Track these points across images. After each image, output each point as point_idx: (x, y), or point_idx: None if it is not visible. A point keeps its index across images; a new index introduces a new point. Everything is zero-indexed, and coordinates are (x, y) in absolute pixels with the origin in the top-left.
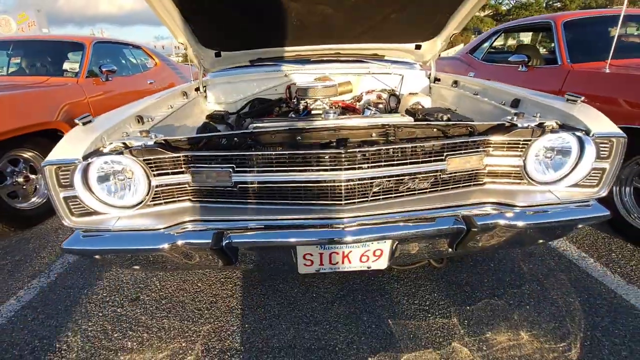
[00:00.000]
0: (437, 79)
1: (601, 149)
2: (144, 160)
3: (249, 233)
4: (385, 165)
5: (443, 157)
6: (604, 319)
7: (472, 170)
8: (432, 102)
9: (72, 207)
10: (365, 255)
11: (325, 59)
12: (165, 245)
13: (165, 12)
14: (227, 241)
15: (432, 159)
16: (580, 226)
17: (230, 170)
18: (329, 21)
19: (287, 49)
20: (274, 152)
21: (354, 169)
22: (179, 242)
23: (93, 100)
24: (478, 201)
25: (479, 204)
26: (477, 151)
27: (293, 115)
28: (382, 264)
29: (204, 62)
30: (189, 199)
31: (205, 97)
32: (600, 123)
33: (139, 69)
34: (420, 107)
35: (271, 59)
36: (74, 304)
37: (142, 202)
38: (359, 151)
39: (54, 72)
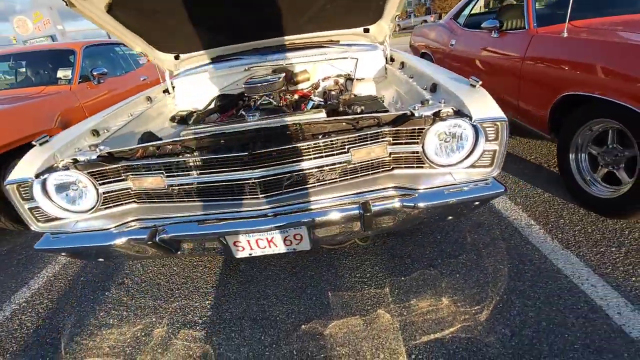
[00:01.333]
0: (392, 59)
1: (488, 132)
2: (88, 173)
3: (180, 226)
4: (292, 162)
5: (346, 150)
6: (524, 283)
7: (378, 159)
8: (382, 85)
9: (36, 215)
10: (288, 239)
11: (282, 49)
12: (113, 242)
13: (115, 29)
14: (160, 236)
15: (335, 152)
16: (477, 203)
17: (161, 175)
18: (272, 15)
19: (241, 45)
20: (191, 158)
21: (264, 167)
22: (124, 239)
23: (87, 104)
24: (382, 187)
25: (382, 189)
26: (379, 141)
27: (243, 112)
28: (305, 245)
29: (167, 65)
30: (134, 201)
31: (174, 97)
32: (484, 108)
33: (131, 67)
34: (351, 96)
35: (231, 54)
36: (73, 289)
37: (94, 207)
38: (263, 152)
39: (49, 81)
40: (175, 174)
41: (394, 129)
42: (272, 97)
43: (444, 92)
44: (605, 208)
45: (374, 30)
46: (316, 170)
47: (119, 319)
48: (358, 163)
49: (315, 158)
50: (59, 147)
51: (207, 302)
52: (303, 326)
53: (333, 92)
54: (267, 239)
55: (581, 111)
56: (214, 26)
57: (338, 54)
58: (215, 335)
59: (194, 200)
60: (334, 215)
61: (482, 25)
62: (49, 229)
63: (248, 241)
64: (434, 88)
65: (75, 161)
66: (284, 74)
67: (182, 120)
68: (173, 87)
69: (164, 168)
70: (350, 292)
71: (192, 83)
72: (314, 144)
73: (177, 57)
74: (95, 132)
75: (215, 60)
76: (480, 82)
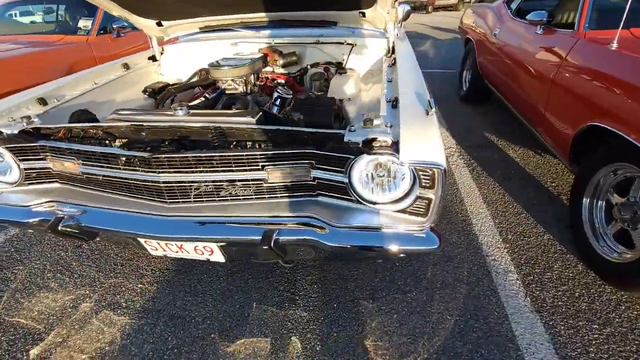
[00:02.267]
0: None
1: (422, 177)
2: (7, 147)
3: (84, 218)
4: (202, 171)
5: (259, 167)
6: (465, 345)
7: (300, 182)
8: (370, 82)
9: None
10: (198, 249)
11: (275, 25)
12: (27, 220)
13: None
14: (64, 224)
15: (248, 168)
16: (401, 255)
17: (74, 161)
18: None
19: (227, 17)
20: (98, 149)
21: (169, 172)
22: (37, 219)
23: (102, 57)
24: (297, 214)
25: (297, 217)
26: (299, 164)
27: (206, 95)
28: (219, 258)
29: (151, 32)
30: (57, 181)
31: (159, 65)
32: (422, 147)
33: None
34: (310, 94)
35: (219, 26)
36: (37, 245)
37: (17, 181)
38: (167, 156)
39: (69, 30)
40: (88, 162)
41: (317, 152)
42: (238, 81)
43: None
44: (607, 271)
45: (370, 15)
46: (227, 183)
47: (59, 284)
48: (276, 182)
49: (225, 171)
50: None
51: (140, 285)
52: (212, 335)
53: (316, 83)
54: (176, 244)
55: (606, 148)
56: None
57: (332, 38)
58: (130, 325)
59: (107, 192)
60: (235, 237)
61: (527, 17)
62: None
63: (158, 243)
64: (395, 103)
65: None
66: (260, 56)
67: (154, 92)
68: (161, 54)
69: (80, 154)
70: (274, 308)
71: (182, 51)
72: (223, 155)
73: (159, 24)
74: (42, 101)
75: (203, 30)
76: (434, 109)
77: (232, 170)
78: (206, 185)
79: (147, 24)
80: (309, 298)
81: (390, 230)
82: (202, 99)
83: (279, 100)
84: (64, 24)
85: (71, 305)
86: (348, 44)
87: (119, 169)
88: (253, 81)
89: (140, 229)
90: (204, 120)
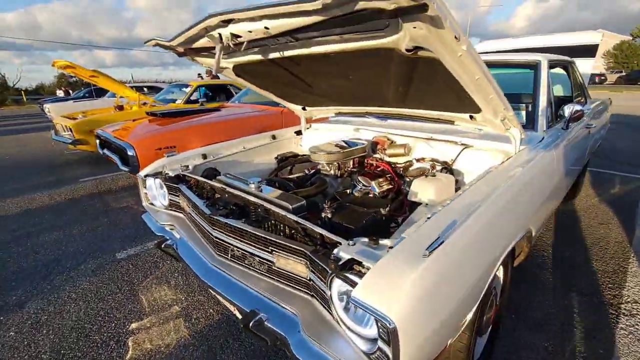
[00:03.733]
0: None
1: (380, 327)
2: (165, 183)
3: (178, 244)
4: (235, 237)
5: (269, 250)
6: None
7: (300, 276)
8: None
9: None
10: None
11: (396, 117)
12: (159, 233)
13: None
14: (165, 244)
15: (260, 247)
16: None
17: (186, 202)
18: (377, 89)
19: (357, 108)
20: (193, 199)
21: (219, 230)
22: (159, 234)
23: (287, 123)
24: (286, 307)
25: (285, 309)
26: (296, 258)
27: (305, 171)
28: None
29: (298, 113)
30: (182, 213)
31: (302, 138)
32: (379, 289)
33: None
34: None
35: (351, 113)
36: None
37: (165, 206)
38: (217, 218)
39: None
40: (188, 206)
41: (305, 252)
42: (331, 166)
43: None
44: None
45: (480, 118)
46: (249, 255)
47: (175, 284)
48: (282, 269)
49: (246, 243)
50: (169, 160)
51: (214, 308)
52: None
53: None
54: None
55: None
56: (328, 92)
57: (446, 136)
58: (189, 337)
59: (198, 233)
60: (231, 305)
61: None
62: (148, 211)
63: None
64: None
65: (165, 173)
66: (361, 146)
67: (281, 160)
68: (307, 129)
69: (188, 199)
70: None
71: (320, 129)
72: (243, 229)
73: (304, 109)
74: (204, 156)
75: (339, 114)
76: (441, 241)
77: (250, 245)
78: (238, 250)
79: (295, 108)
80: None
81: None
82: (303, 173)
83: (357, 188)
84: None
85: (170, 303)
86: (462, 144)
87: (199, 217)
88: (351, 166)
89: (196, 268)
90: (255, 197)
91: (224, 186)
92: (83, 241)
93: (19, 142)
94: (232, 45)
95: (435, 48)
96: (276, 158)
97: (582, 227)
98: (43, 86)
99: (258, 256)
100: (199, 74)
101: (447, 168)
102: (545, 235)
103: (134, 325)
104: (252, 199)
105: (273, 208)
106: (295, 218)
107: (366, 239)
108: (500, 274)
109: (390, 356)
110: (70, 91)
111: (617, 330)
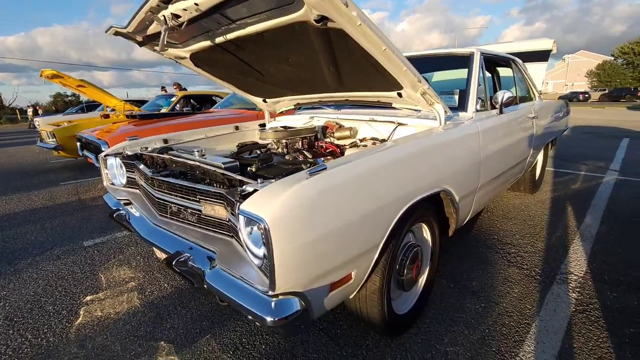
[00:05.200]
0: None
1: (261, 234)
2: (123, 162)
3: (130, 216)
4: (171, 194)
5: (197, 199)
6: None
7: (222, 220)
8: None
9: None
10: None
11: (347, 104)
12: (111, 207)
13: (213, 79)
14: (117, 214)
15: (190, 198)
16: (249, 317)
17: (139, 176)
18: (315, 71)
19: (308, 96)
20: (143, 170)
21: (159, 191)
22: (114, 208)
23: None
24: (208, 248)
25: (207, 250)
26: (218, 202)
27: (257, 151)
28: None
29: (261, 105)
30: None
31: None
32: (260, 200)
33: None
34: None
35: (310, 104)
36: None
37: (124, 184)
38: (157, 178)
39: (251, 107)
40: (141, 177)
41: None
42: (279, 144)
43: None
44: None
45: (405, 95)
46: (183, 209)
47: (136, 265)
48: (209, 216)
49: (184, 198)
50: (129, 144)
51: (169, 283)
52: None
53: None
54: None
55: None
56: (278, 79)
57: (385, 117)
58: (141, 310)
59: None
60: (161, 253)
61: None
62: (109, 190)
63: None
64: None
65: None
66: (301, 128)
67: (242, 147)
68: (270, 122)
69: (140, 172)
70: None
71: (281, 123)
72: (174, 184)
73: (265, 101)
74: (165, 141)
75: (299, 105)
76: (324, 167)
77: (183, 198)
78: (174, 206)
79: (257, 100)
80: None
81: (249, 288)
82: (255, 153)
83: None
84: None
85: (127, 280)
86: (398, 123)
87: (147, 185)
88: (300, 146)
89: (141, 229)
90: (191, 160)
91: (171, 157)
92: (53, 233)
93: (7, 154)
94: (175, 25)
95: (334, 16)
96: (238, 146)
97: (535, 215)
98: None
99: (190, 207)
100: (162, 87)
101: (381, 141)
102: (499, 221)
103: (88, 298)
104: (191, 162)
105: (207, 167)
106: (221, 171)
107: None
108: (428, 236)
109: (267, 256)
110: (40, 110)
111: (547, 296)
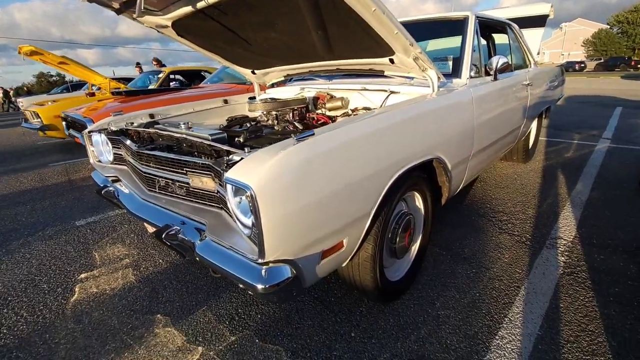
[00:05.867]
0: None
1: (249, 201)
2: (108, 138)
3: (119, 192)
4: (159, 168)
5: (184, 172)
6: None
7: (210, 192)
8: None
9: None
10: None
11: (339, 74)
12: (99, 184)
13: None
14: (106, 191)
15: (177, 171)
16: (241, 285)
17: (125, 152)
18: (303, 38)
19: (297, 66)
20: (129, 145)
21: (146, 165)
22: (101, 185)
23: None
24: (198, 220)
25: (198, 223)
26: (206, 173)
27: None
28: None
29: (250, 78)
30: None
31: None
32: (245, 168)
33: None
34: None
35: (300, 74)
36: None
37: (111, 160)
38: (143, 153)
39: (243, 81)
40: (127, 153)
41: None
42: (269, 116)
43: None
44: None
45: (397, 60)
46: (171, 182)
47: (130, 241)
48: (197, 189)
49: (171, 172)
50: (120, 118)
51: (165, 259)
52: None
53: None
54: None
55: None
56: (265, 48)
57: (377, 86)
58: (140, 284)
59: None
60: (152, 228)
61: None
62: (96, 167)
63: None
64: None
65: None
66: (292, 99)
67: (234, 120)
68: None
69: (126, 148)
70: None
71: (271, 95)
72: (160, 157)
73: (253, 72)
74: (152, 116)
75: (290, 76)
76: (311, 133)
77: (171, 171)
78: (163, 180)
79: (245, 72)
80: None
81: (239, 257)
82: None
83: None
84: (241, 78)
85: (121, 257)
86: (390, 91)
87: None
88: (291, 117)
89: (129, 205)
90: (177, 133)
91: (157, 130)
92: (44, 213)
93: None
94: None
95: None
96: (227, 119)
97: (528, 183)
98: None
99: (178, 181)
100: (137, 64)
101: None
102: (491, 190)
103: (82, 275)
104: (177, 135)
105: (194, 139)
106: (208, 142)
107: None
108: (421, 205)
109: (255, 224)
110: (11, 92)
111: (536, 260)
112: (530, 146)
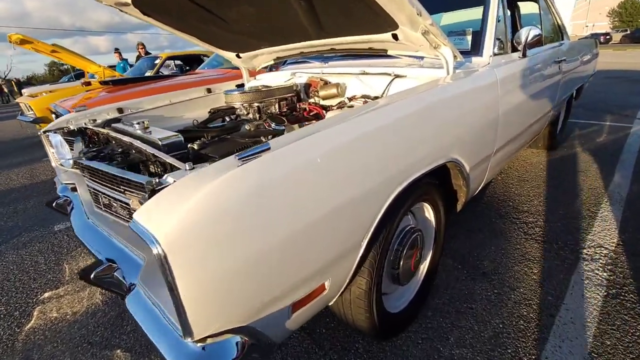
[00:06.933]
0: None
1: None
2: (64, 137)
3: (72, 201)
4: (101, 184)
5: (122, 190)
6: None
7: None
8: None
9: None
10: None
11: (334, 55)
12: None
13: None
14: (57, 202)
15: (114, 187)
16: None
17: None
18: (289, 14)
19: (286, 47)
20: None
21: (90, 180)
22: (60, 195)
23: None
24: (136, 253)
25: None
26: (141, 194)
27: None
28: None
29: (235, 62)
30: None
31: None
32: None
33: None
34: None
35: (291, 56)
36: None
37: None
38: (85, 165)
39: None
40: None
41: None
42: (250, 108)
43: None
44: None
45: (402, 36)
46: (113, 200)
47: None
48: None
49: (110, 188)
50: (83, 114)
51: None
52: None
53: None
54: None
55: None
56: (246, 26)
57: (379, 69)
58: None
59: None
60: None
61: None
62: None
63: None
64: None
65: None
66: (277, 87)
67: (214, 113)
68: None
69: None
70: None
71: (262, 81)
72: (104, 172)
73: (238, 56)
74: (120, 110)
75: (281, 59)
76: (265, 147)
77: (109, 187)
78: (106, 198)
79: (229, 56)
80: None
81: (167, 325)
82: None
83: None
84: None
85: None
86: (395, 75)
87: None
88: (277, 110)
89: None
90: (127, 136)
91: (109, 131)
92: (25, 216)
93: None
94: None
95: None
96: (210, 112)
97: (556, 175)
98: (35, 76)
99: (119, 200)
100: (115, 49)
101: (374, 99)
102: (513, 184)
103: (46, 295)
104: (126, 139)
105: (141, 145)
106: (152, 150)
107: (209, 163)
108: (431, 216)
109: (171, 294)
110: (14, 81)
111: (572, 276)
112: (558, 131)
